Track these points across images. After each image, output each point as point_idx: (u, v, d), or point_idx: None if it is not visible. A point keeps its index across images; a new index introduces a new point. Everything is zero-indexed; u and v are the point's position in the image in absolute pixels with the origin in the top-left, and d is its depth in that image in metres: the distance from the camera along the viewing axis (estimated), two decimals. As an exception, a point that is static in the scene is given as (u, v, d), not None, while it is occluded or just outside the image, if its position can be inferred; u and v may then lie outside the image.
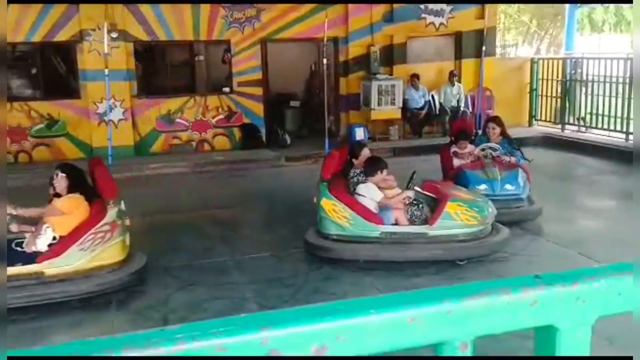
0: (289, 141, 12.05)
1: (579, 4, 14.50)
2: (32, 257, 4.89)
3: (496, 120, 7.71)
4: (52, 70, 11.63)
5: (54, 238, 5.03)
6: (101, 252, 5.05)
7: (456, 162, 7.27)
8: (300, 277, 5.37)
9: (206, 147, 11.97)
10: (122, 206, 5.34)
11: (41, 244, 4.98)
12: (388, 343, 0.89)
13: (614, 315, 0.97)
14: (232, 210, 8.13)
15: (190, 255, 6.10)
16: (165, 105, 11.73)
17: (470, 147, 7.32)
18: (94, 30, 10.92)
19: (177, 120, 11.77)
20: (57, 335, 4.46)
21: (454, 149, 7.42)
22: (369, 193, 5.70)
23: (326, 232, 5.78)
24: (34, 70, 11.43)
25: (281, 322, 0.83)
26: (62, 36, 10.95)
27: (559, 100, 13.13)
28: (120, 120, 11.31)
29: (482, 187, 6.65)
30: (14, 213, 4.98)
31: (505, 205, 6.43)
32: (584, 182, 9.51)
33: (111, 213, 5.12)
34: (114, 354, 0.78)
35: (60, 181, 5.14)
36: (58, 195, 5.13)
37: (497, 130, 7.48)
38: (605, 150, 10.87)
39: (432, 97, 12.57)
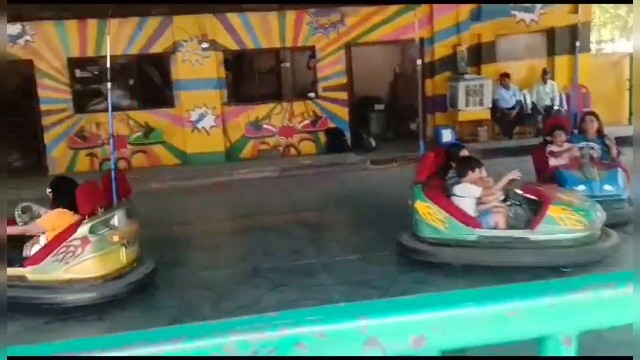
0: (374, 144, 12.04)
1: None
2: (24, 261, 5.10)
3: (594, 114, 7.38)
4: (148, 80, 12.25)
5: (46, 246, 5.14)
6: (74, 265, 5.03)
7: (552, 162, 6.92)
8: (389, 280, 5.34)
9: (292, 151, 12.19)
10: (115, 221, 5.32)
11: (34, 250, 5.13)
12: (487, 336, 0.88)
13: None
14: (319, 213, 8.22)
15: (279, 257, 6.22)
16: (254, 111, 12.06)
17: (567, 145, 6.95)
18: (186, 41, 11.42)
19: (265, 126, 12.06)
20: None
21: (549, 148, 7.05)
22: (466, 192, 5.50)
23: (421, 235, 5.68)
24: (131, 81, 12.10)
25: (380, 311, 0.84)
26: (157, 48, 11.52)
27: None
28: (211, 127, 11.74)
29: (580, 188, 6.31)
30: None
31: (605, 207, 6.10)
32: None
33: (82, 229, 5.06)
34: (221, 340, 0.82)
35: (50, 197, 5.30)
36: None
37: (595, 124, 7.13)
38: None
39: (524, 96, 12.15)
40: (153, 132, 11.79)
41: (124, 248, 5.31)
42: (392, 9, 11.91)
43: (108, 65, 5.97)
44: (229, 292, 5.40)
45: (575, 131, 7.65)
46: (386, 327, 0.83)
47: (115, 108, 11.73)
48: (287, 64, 12.70)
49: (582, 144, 6.91)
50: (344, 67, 12.21)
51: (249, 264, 6.06)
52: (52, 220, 5.17)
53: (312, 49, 12.16)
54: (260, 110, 12.08)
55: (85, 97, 11.80)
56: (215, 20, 11.54)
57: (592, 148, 6.82)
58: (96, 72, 12.08)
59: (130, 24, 11.32)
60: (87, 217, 5.16)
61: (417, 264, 5.65)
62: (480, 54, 12.29)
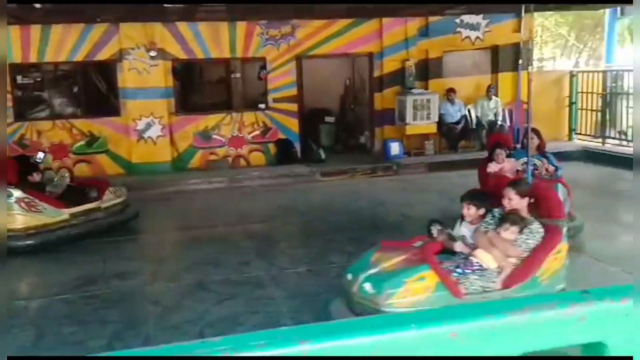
0: (323, 156, 12.08)
1: (618, 16, 14.24)
2: None
3: (535, 131, 7.39)
4: (93, 88, 11.94)
5: None
6: None
7: (491, 169, 6.89)
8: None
9: (242, 162, 12.08)
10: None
11: None
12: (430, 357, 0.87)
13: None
14: (268, 225, 8.16)
15: (227, 270, 6.14)
16: (203, 121, 11.91)
17: (509, 162, 6.95)
18: (133, 49, 11.20)
19: (214, 136, 11.93)
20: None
21: (489, 166, 6.98)
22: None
23: None
24: (75, 89, 11.77)
25: (321, 335, 0.82)
26: (102, 55, 11.24)
27: (599, 113, 12.86)
28: (158, 136, 11.52)
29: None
30: None
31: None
32: (625, 197, 9.24)
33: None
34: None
35: None
36: None
37: (535, 141, 7.09)
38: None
39: (469, 111, 12.46)
40: (97, 141, 11.48)
41: None
42: (343, 22, 12.03)
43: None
44: (174, 305, 5.28)
45: (519, 146, 7.83)
46: (328, 351, 0.81)
47: (58, 116, 11.47)
48: (238, 75, 12.65)
49: (524, 159, 6.95)
50: (294, 79, 12.22)
51: (195, 277, 5.96)
52: None
53: (262, 60, 12.13)
54: (209, 121, 11.93)
55: (26, 104, 11.40)
56: (164, 29, 11.36)
57: (534, 163, 6.88)
58: (38, 79, 11.69)
59: (75, 31, 11.02)
60: None
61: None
62: (428, 70, 12.54)
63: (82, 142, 11.40)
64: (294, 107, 12.28)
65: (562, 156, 11.03)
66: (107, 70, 11.69)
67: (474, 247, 4.36)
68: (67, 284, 5.83)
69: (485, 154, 11.63)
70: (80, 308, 5.27)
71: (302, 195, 9.92)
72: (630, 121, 12.24)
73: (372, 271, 4.24)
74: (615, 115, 12.52)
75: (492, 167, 6.86)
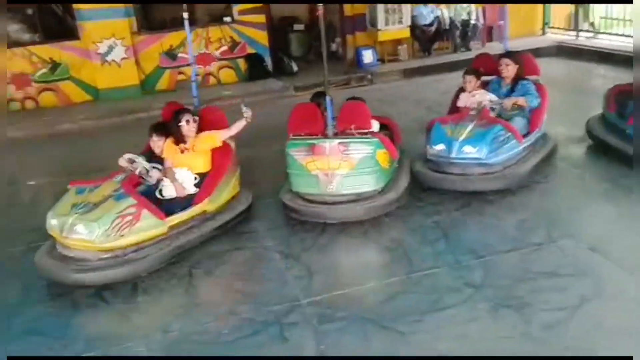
0: (295, 68, 11.83)
1: None
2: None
3: (511, 56, 6.11)
4: (49, 11, 11.30)
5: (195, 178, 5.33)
6: None
7: (460, 103, 6.12)
8: (319, 226, 5.30)
9: (212, 80, 11.78)
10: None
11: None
12: None
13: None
14: (248, 151, 7.99)
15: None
16: (167, 39, 11.47)
17: (479, 94, 5.91)
18: (85, -35, 10.52)
19: (180, 54, 11.52)
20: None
21: (461, 94, 6.20)
22: None
23: None
24: (30, 11, 11.12)
25: None
26: (54, -25, 10.57)
27: (572, 5, 12.62)
28: (122, 59, 11.11)
29: (440, 147, 5.47)
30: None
31: (463, 171, 5.41)
32: (599, 94, 9.24)
33: None
34: None
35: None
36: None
37: (511, 68, 5.97)
38: (619, 57, 10.52)
39: (441, 11, 12.12)
40: (59, 68, 11.04)
41: None
42: None
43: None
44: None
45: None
46: None
47: (15, 43, 10.89)
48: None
49: (491, 97, 5.90)
50: (259, -13, 11.67)
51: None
52: None
53: (223, -31, 11.52)
54: (173, 38, 11.47)
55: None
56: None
57: (491, 101, 5.82)
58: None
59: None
60: None
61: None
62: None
63: (45, 70, 10.96)
64: (261, 18, 11.82)
65: (536, 52, 10.89)
66: (60, -10, 11.04)
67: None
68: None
69: (458, 56, 11.54)
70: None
71: (277, 114, 9.65)
72: (602, 12, 12.07)
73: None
74: (587, 7, 12.29)
75: (461, 100, 6.09)
